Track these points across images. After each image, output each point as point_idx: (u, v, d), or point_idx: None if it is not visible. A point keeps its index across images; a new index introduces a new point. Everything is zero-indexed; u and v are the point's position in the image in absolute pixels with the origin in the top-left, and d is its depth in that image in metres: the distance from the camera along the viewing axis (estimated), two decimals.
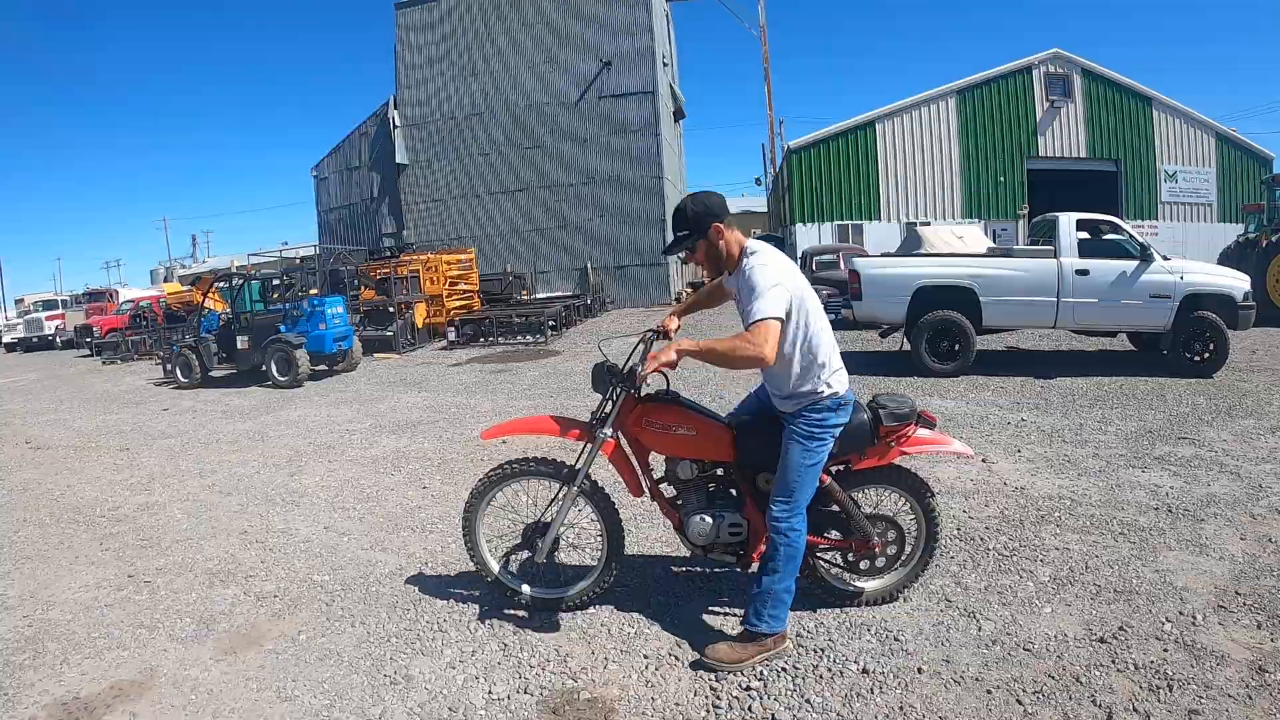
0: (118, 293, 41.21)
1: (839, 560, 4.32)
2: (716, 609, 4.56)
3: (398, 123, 31.63)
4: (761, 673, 3.84)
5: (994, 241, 19.70)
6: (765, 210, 53.03)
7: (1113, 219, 11.92)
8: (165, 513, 7.55)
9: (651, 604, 4.65)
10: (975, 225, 24.69)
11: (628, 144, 29.00)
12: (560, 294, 27.70)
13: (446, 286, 23.20)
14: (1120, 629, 4.06)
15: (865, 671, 3.79)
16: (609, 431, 4.22)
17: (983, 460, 7.15)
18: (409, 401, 12.23)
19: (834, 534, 4.27)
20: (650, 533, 5.80)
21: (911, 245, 16.23)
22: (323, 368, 16.42)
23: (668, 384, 4.43)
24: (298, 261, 27.07)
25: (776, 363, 3.71)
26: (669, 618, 4.48)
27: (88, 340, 31.00)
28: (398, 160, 31.71)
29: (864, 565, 4.27)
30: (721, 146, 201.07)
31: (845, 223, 29.93)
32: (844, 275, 15.51)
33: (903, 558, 4.38)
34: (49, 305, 45.17)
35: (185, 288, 36.58)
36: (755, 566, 4.13)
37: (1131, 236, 11.31)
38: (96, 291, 43.34)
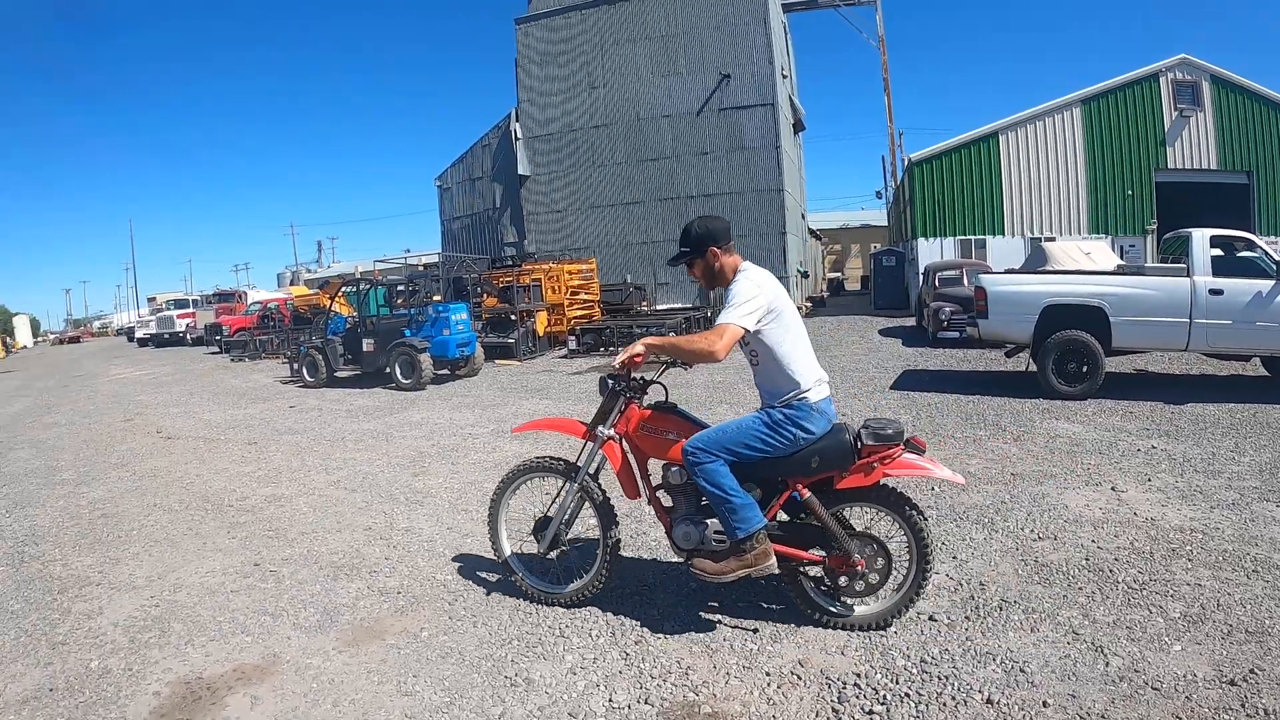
0: (246, 294, 43.43)
1: (824, 578, 4.49)
2: (839, 628, 4.52)
3: (519, 135, 32.47)
4: (885, 697, 3.81)
5: (1122, 258, 18.88)
6: (886, 224, 52.20)
7: (1247, 235, 11.32)
8: (291, 505, 7.96)
9: (773, 621, 4.65)
10: (1102, 241, 23.64)
11: (747, 157, 29.00)
12: (681, 306, 27.79)
13: (568, 296, 23.61)
14: (1251, 671, 3.84)
15: (990, 702, 3.70)
16: (608, 431, 4.72)
17: (1112, 488, 6.88)
18: (530, 408, 12.47)
19: (816, 550, 4.46)
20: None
21: (1037, 261, 15.70)
22: (445, 372, 16.92)
23: (666, 394, 4.96)
24: (421, 268, 27.97)
25: (759, 371, 4.43)
26: (792, 636, 4.47)
27: (217, 338, 32.88)
28: (519, 171, 32.52)
29: (845, 583, 4.41)
30: (841, 158, 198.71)
31: (968, 237, 29.09)
32: (968, 292, 15.33)
33: (892, 582, 4.51)
34: (180, 304, 48.24)
35: (312, 291, 38.13)
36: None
37: (1267, 254, 10.71)
38: (226, 292, 45.74)
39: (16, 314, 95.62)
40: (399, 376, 15.93)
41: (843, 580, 4.41)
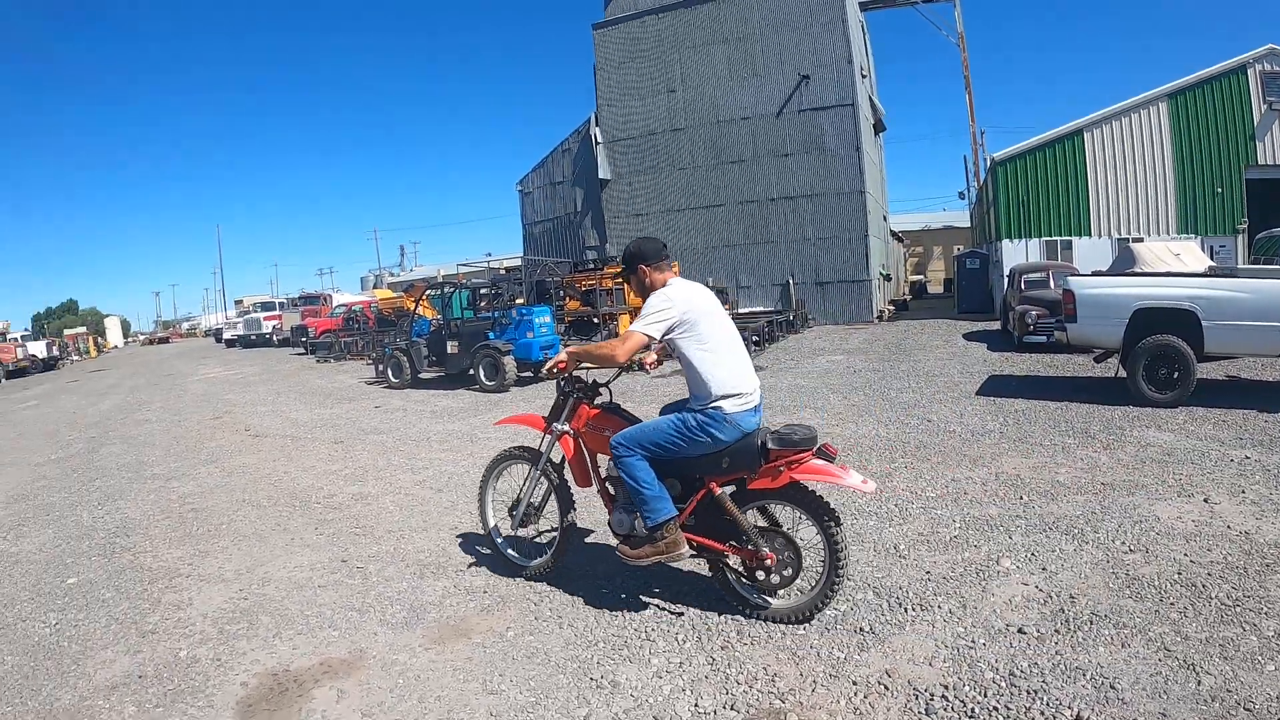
0: (331, 297, 44.44)
1: (742, 570, 4.83)
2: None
3: (599, 139, 32.67)
4: (973, 710, 3.71)
5: (1212, 259, 18.22)
6: (969, 225, 51.13)
7: None
8: (378, 504, 8.08)
9: (861, 630, 4.55)
10: (1191, 241, 22.77)
11: (827, 158, 28.68)
12: (762, 309, 27.62)
13: None
14: None
15: (1079, 718, 3.56)
16: (563, 426, 5.37)
17: (1204, 500, 6.58)
18: None
19: (732, 543, 4.79)
20: (874, 571, 5.64)
21: (1124, 263, 15.19)
22: (528, 374, 17.00)
23: (610, 396, 5.52)
24: (502, 271, 28.26)
25: (687, 374, 4.81)
26: (879, 645, 4.37)
27: (303, 340, 33.69)
28: (600, 175, 32.72)
29: (761, 577, 4.74)
30: (922, 159, 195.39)
31: (1053, 239, 28.26)
32: (1054, 295, 14.95)
33: (808, 580, 4.84)
34: (267, 306, 49.68)
35: (395, 294, 38.82)
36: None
37: None
38: (311, 295, 46.79)
39: (108, 315, 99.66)
40: (483, 378, 16.09)
41: (759, 574, 4.74)
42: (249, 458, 11.05)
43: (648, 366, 5.62)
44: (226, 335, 51.74)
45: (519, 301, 19.47)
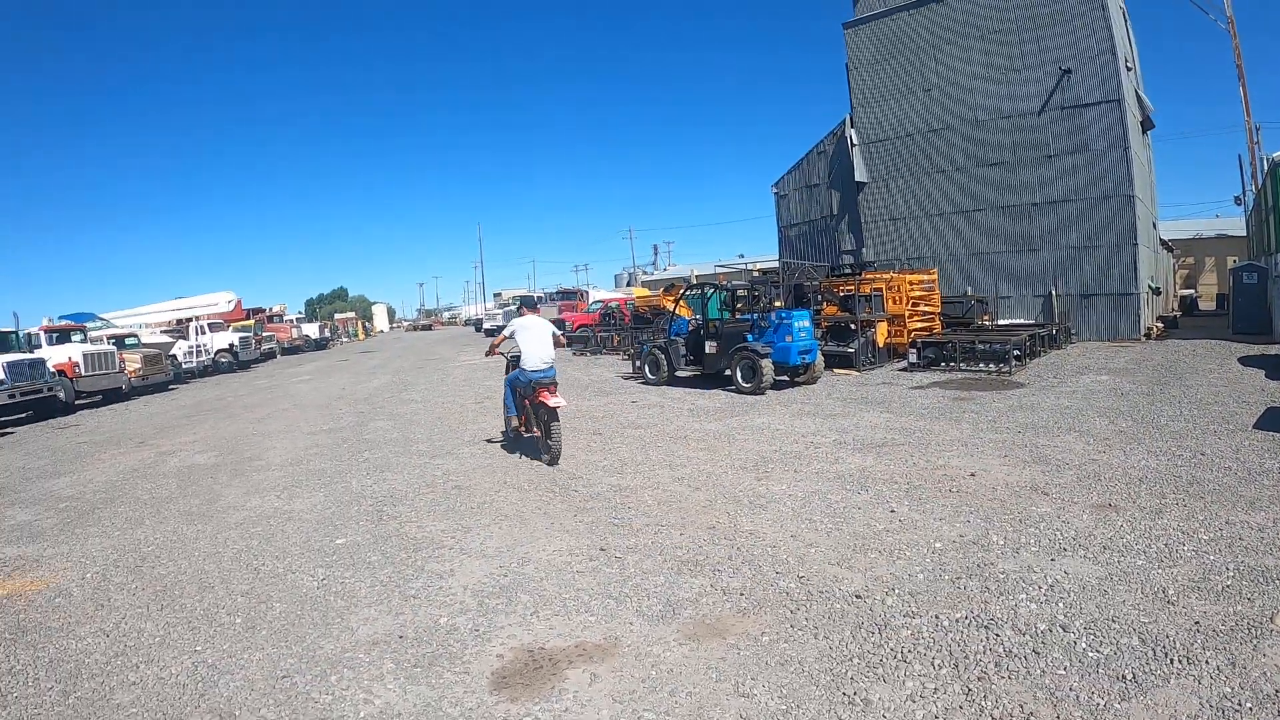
0: (587, 293, 45.96)
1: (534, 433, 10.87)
2: (1192, 690, 4.06)
3: (855, 140, 32.06)
4: None
5: None
6: (1245, 234, 46.16)
7: None
8: (636, 497, 8.37)
9: (1124, 678, 4.26)
10: None
11: (1092, 159, 26.70)
12: (1023, 322, 26.28)
13: (909, 307, 23.04)
14: None
15: None
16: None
17: None
18: (872, 420, 12.23)
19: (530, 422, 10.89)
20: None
21: None
22: (784, 378, 16.97)
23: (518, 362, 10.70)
24: (756, 273, 28.32)
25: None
26: (1141, 696, 4.09)
27: (560, 333, 34.88)
28: (856, 178, 32.13)
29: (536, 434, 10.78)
30: (1191, 158, 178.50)
31: None
32: None
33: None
34: (526, 300, 51.81)
35: (652, 293, 39.72)
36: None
37: None
38: (569, 291, 48.55)
39: (375, 302, 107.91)
40: (739, 380, 16.20)
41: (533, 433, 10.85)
42: (509, 442, 11.64)
43: (495, 351, 11.72)
44: (486, 325, 55.27)
45: (778, 305, 19.40)
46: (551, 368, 10.52)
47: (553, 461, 10.13)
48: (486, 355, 12.15)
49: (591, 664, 4.62)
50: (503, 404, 11.48)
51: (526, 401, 10.62)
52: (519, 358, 10.63)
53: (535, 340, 10.48)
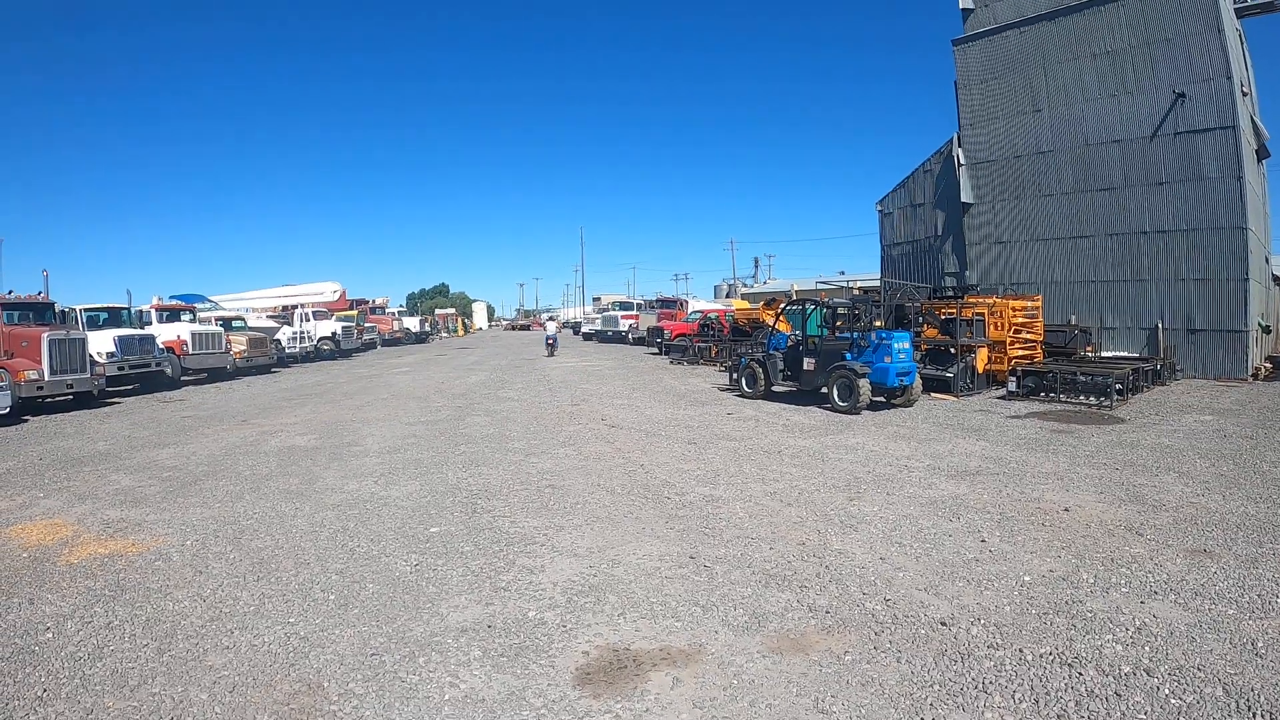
0: (687, 302, 46.28)
1: None
2: None
3: (962, 160, 31.45)
4: None
5: None
6: None
7: None
8: (728, 508, 8.44)
9: None
10: None
11: (1204, 188, 25.60)
12: (1127, 355, 25.51)
13: (1010, 334, 22.63)
14: None
15: None
16: None
17: None
18: (967, 448, 12.09)
19: None
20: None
21: None
22: (880, 399, 16.88)
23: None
24: (857, 291, 28.12)
25: None
26: None
27: (658, 340, 35.44)
28: (962, 199, 31.51)
29: None
30: None
31: None
32: None
33: None
34: (625, 306, 53.09)
35: (752, 305, 39.71)
36: None
37: None
38: (668, 299, 48.92)
39: (475, 300, 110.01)
40: (836, 398, 16.17)
41: None
42: (604, 446, 11.88)
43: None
44: (584, 329, 56.06)
45: (878, 324, 19.29)
46: None
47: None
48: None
49: (675, 668, 4.72)
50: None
51: None
52: None
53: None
